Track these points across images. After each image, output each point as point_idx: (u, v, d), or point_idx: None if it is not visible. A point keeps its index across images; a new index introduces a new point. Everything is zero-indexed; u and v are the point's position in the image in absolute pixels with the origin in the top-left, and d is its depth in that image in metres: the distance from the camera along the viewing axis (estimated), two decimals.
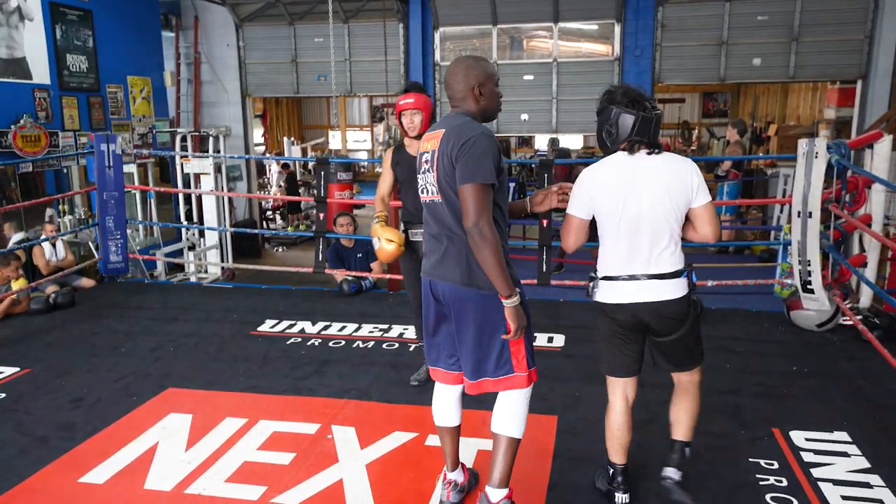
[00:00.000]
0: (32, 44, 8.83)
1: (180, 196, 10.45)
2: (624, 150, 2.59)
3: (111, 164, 6.31)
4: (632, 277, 2.60)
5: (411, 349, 4.65)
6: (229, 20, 12.07)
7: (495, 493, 2.59)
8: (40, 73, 8.96)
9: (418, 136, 3.64)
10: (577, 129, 12.25)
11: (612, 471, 2.81)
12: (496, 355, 2.54)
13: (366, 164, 19.63)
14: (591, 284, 2.72)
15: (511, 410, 2.59)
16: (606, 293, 2.67)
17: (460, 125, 2.46)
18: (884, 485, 2.93)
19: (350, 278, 6.09)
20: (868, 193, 4.87)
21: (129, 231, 6.80)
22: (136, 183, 9.27)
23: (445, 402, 2.76)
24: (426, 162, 2.55)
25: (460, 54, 11.78)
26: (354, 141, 22.13)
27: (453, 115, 2.55)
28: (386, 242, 3.66)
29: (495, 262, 2.36)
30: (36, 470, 3.16)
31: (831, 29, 10.04)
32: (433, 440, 3.34)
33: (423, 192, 2.60)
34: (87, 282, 6.68)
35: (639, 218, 2.55)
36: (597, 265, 2.72)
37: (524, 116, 11.36)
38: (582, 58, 11.38)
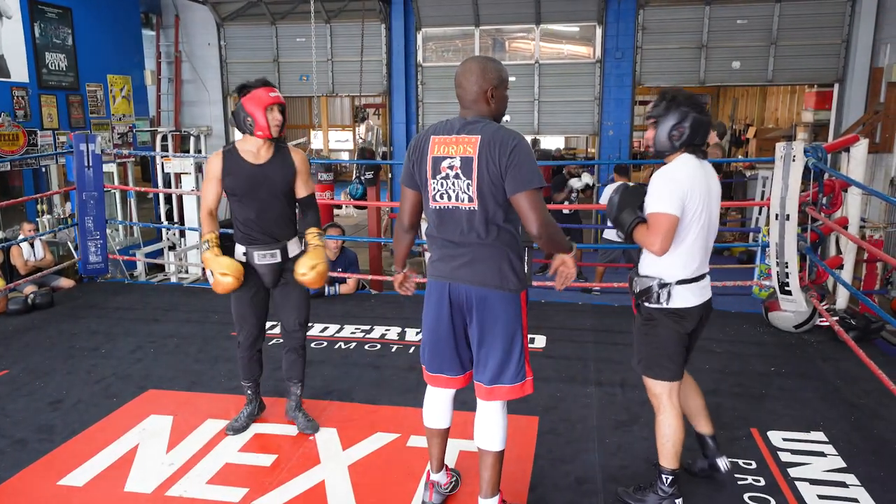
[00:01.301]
0: (11, 41, 8.73)
1: (160, 196, 10.37)
2: (689, 153, 2.66)
3: (90, 163, 6.25)
4: (703, 277, 2.74)
5: (393, 350, 4.66)
6: (210, 19, 12.01)
7: (490, 503, 2.64)
8: (18, 71, 8.86)
9: (278, 140, 3.25)
10: (559, 130, 12.33)
11: (670, 479, 2.75)
12: (517, 360, 2.56)
13: (347, 164, 19.58)
14: (658, 292, 2.69)
15: (494, 425, 2.60)
16: (683, 297, 2.69)
17: (498, 131, 2.41)
18: (859, 484, 2.98)
19: None
20: (844, 196, 4.95)
21: (108, 231, 6.74)
22: (116, 182, 9.19)
23: (439, 405, 2.76)
24: (449, 168, 2.44)
25: (443, 55, 11.80)
26: (336, 141, 22.06)
27: (477, 120, 2.46)
28: (220, 276, 3.20)
29: (561, 242, 2.52)
30: (14, 472, 3.13)
31: (809, 33, 10.19)
32: (415, 441, 3.36)
33: (441, 198, 2.48)
34: (66, 282, 6.61)
35: (711, 221, 2.70)
36: (657, 271, 2.70)
37: (506, 117, 11.37)
38: (564, 59, 11.45)
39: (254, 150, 3.23)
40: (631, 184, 2.79)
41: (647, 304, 2.74)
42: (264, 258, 3.32)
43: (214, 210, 3.34)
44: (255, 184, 3.23)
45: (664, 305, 2.70)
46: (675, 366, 2.75)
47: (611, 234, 7.45)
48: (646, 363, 2.79)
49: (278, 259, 3.32)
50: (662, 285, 2.68)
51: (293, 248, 3.37)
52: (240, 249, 3.35)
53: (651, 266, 2.72)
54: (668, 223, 2.56)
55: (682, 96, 2.64)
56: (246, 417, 3.55)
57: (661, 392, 2.77)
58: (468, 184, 2.42)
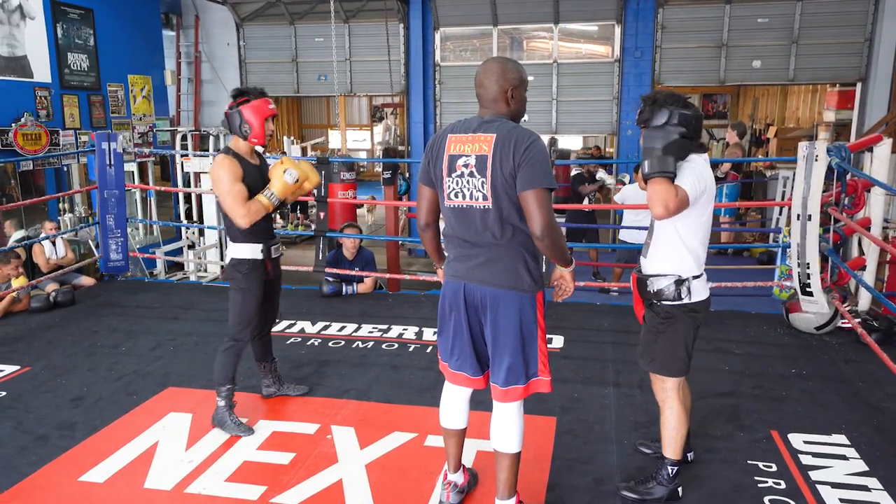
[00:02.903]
0: (34, 42, 8.85)
1: (180, 195, 10.45)
2: (692, 150, 2.68)
3: (112, 162, 6.31)
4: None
5: (411, 349, 4.66)
6: (230, 19, 12.10)
7: None
8: (41, 71, 8.98)
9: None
10: (577, 129, 12.30)
11: (675, 469, 2.84)
12: (529, 359, 2.55)
13: (365, 163, 19.65)
14: (678, 289, 2.70)
15: (510, 426, 2.60)
16: (700, 291, 2.75)
17: (513, 129, 2.42)
18: (881, 487, 2.94)
19: (331, 279, 6.02)
20: (867, 197, 4.89)
21: (129, 229, 6.81)
22: (136, 181, 9.28)
23: (457, 405, 2.76)
24: (464, 166, 2.44)
25: (461, 55, 11.80)
26: (354, 140, 22.15)
27: (495, 119, 2.47)
28: (302, 170, 3.45)
29: (562, 251, 2.50)
30: (36, 468, 3.17)
31: (831, 32, 10.08)
32: (432, 440, 3.36)
33: (455, 197, 2.49)
34: (87, 280, 6.68)
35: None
36: (672, 268, 2.72)
37: (525, 117, 11.35)
38: (582, 59, 11.41)
39: (248, 153, 3.47)
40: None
41: (665, 302, 2.74)
42: (277, 251, 3.60)
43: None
44: (261, 185, 3.45)
45: (685, 301, 2.72)
46: (689, 360, 2.82)
47: (626, 234, 7.41)
48: (661, 361, 2.81)
49: (280, 252, 3.63)
50: (680, 282, 2.70)
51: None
52: (255, 248, 3.48)
53: (666, 263, 2.74)
54: (683, 198, 2.57)
55: (662, 96, 2.66)
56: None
57: (672, 388, 2.82)
58: (482, 182, 2.42)
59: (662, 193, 2.54)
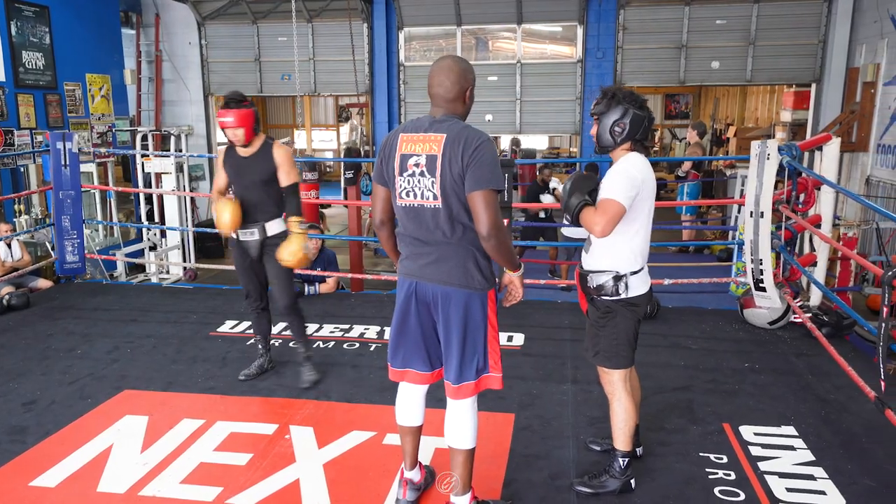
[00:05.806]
0: None
1: (141, 196, 10.30)
2: (635, 151, 2.75)
3: (67, 162, 6.21)
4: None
5: (372, 349, 4.67)
6: (191, 18, 11.95)
7: (461, 501, 2.66)
8: None
9: (246, 145, 3.85)
10: (541, 129, 12.39)
11: (626, 461, 2.89)
12: (480, 356, 2.58)
13: (332, 163, 19.55)
14: (616, 285, 2.76)
15: (464, 423, 2.62)
16: (638, 286, 2.80)
17: (463, 129, 2.43)
18: (826, 476, 3.03)
19: (295, 280, 5.97)
20: (817, 195, 5.01)
21: (88, 231, 6.70)
22: (96, 182, 9.13)
23: (411, 403, 2.77)
24: (415, 165, 2.46)
25: (425, 54, 11.82)
26: (320, 140, 22.01)
27: (446, 118, 2.49)
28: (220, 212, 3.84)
29: (509, 253, 2.52)
30: None
31: (787, 34, 10.31)
32: (391, 439, 3.36)
33: (407, 196, 2.50)
34: (43, 283, 6.56)
35: (652, 212, 2.80)
36: (611, 264, 2.77)
37: (488, 117, 11.43)
38: (546, 59, 11.50)
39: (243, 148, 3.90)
40: (584, 172, 2.81)
41: (604, 297, 2.80)
42: (245, 235, 3.92)
43: (223, 192, 4.01)
44: (239, 173, 3.88)
45: (622, 297, 2.77)
46: (632, 353, 2.88)
47: (569, 231, 7.49)
48: (605, 354, 2.87)
49: (257, 237, 3.91)
50: (618, 278, 2.76)
51: (273, 227, 3.93)
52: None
53: (604, 260, 2.79)
54: (615, 210, 2.63)
55: (621, 93, 2.71)
56: (256, 367, 4.21)
57: (618, 380, 2.87)
58: (433, 181, 2.44)
59: (588, 218, 2.67)
